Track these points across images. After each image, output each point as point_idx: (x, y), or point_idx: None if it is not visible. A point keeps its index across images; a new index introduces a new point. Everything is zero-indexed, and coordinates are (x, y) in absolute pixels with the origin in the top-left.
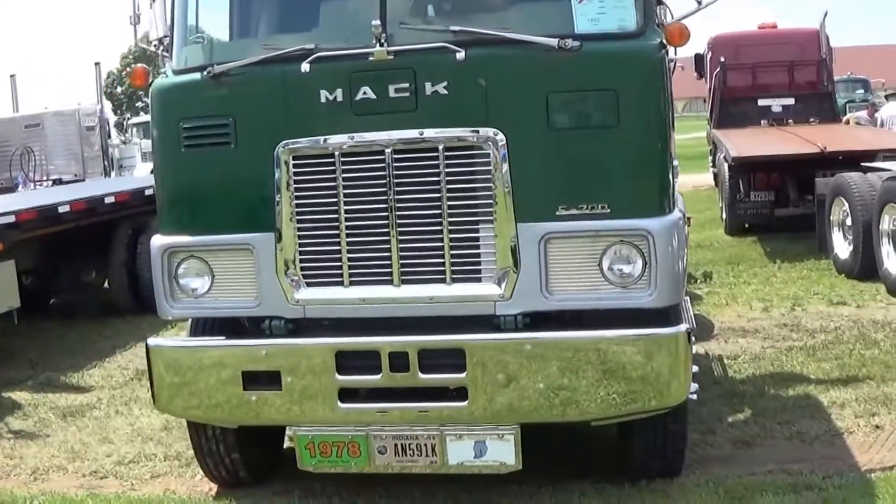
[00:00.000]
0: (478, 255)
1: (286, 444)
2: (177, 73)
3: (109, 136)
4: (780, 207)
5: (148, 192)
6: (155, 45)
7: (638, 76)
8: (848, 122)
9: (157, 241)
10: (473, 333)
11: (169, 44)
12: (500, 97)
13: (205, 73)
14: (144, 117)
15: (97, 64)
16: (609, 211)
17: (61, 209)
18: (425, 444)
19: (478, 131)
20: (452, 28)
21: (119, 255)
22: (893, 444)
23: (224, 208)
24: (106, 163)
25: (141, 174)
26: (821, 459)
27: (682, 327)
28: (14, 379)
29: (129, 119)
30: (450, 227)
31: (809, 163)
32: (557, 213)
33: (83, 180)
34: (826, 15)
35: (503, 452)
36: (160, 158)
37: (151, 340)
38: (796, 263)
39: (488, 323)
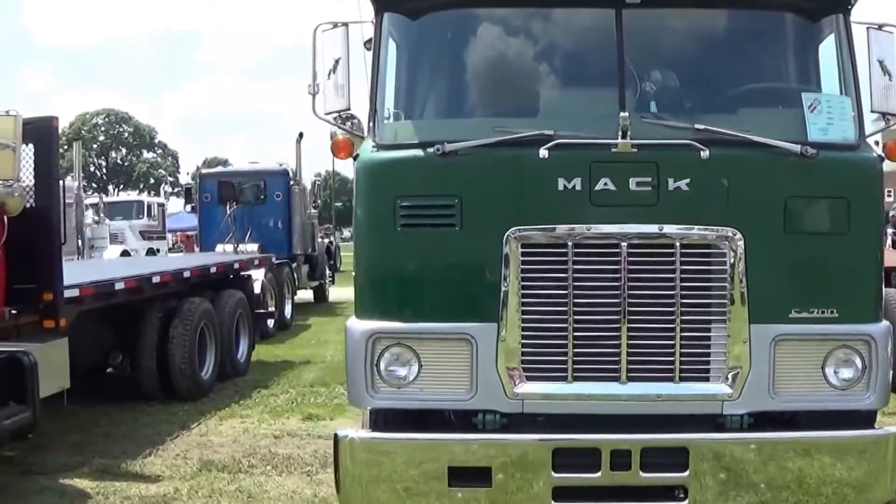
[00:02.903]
0: (708, 354)
1: None
2: (384, 147)
3: (84, 214)
4: None
5: (185, 274)
6: (334, 119)
7: (866, 186)
8: None
9: (359, 325)
10: (698, 432)
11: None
12: (741, 197)
13: (430, 149)
14: (116, 197)
15: (76, 140)
16: (837, 315)
17: (117, 286)
18: None
19: (718, 230)
20: (697, 126)
21: (149, 340)
22: None
23: (442, 294)
24: (80, 242)
25: (110, 256)
26: None
27: (893, 429)
28: (65, 465)
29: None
30: (682, 325)
31: None
32: (790, 315)
33: None
34: None
35: None
36: (367, 237)
37: (341, 431)
38: None
39: (709, 421)
